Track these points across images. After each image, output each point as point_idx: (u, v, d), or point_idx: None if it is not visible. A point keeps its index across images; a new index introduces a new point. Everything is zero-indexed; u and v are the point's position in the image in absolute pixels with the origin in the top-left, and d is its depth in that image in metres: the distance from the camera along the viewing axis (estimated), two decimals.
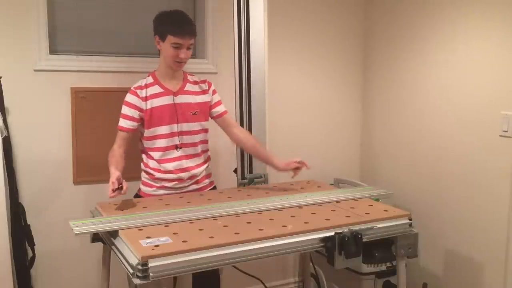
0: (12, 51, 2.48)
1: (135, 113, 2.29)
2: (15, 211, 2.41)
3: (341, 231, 1.86)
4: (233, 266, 2.49)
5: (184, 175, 2.35)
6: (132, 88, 2.32)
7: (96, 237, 2.02)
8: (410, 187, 3.01)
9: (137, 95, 2.29)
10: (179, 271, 1.63)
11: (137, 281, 1.58)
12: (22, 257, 2.44)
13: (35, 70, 2.53)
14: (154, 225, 1.88)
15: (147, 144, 2.35)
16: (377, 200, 2.34)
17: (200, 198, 2.30)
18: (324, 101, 3.29)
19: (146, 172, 2.37)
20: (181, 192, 2.36)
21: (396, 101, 3.12)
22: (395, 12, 3.09)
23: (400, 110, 3.09)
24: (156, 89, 2.32)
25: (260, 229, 1.85)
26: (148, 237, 1.73)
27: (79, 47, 2.70)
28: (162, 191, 2.35)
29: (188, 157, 2.36)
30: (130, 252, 1.68)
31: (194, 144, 2.38)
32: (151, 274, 1.57)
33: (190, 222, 1.93)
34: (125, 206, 2.14)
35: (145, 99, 2.30)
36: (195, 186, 2.41)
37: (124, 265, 1.68)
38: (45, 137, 2.58)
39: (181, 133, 2.34)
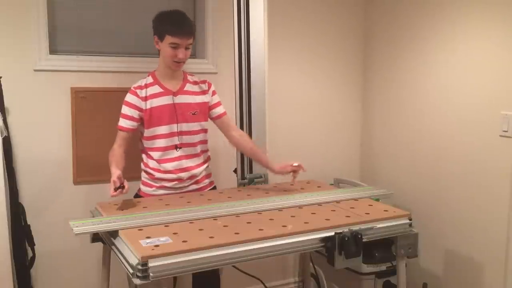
0: (12, 51, 2.48)
1: (135, 113, 2.29)
2: (15, 211, 2.41)
3: (341, 231, 1.86)
4: (233, 266, 2.49)
5: (183, 175, 2.35)
6: (132, 88, 2.32)
7: (96, 237, 2.02)
8: (410, 187, 3.01)
9: (137, 95, 2.29)
10: (179, 271, 1.63)
11: (137, 281, 1.58)
12: (22, 257, 2.44)
13: (35, 70, 2.53)
14: (154, 225, 1.88)
15: (147, 144, 2.35)
16: (377, 200, 2.34)
17: (200, 198, 2.30)
18: (324, 101, 3.29)
19: (146, 172, 2.37)
20: (181, 192, 2.36)
21: (396, 101, 3.12)
22: (395, 12, 3.09)
23: (400, 110, 3.09)
24: (156, 89, 2.32)
25: (260, 229, 1.85)
26: (148, 237, 1.73)
27: (79, 47, 2.70)
28: (161, 191, 2.35)
29: (188, 157, 2.36)
30: (130, 252, 1.68)
31: (193, 144, 2.38)
32: (151, 274, 1.57)
33: (190, 222, 1.93)
34: (125, 206, 2.14)
35: (145, 99, 2.30)
36: (195, 186, 2.41)
37: (124, 265, 1.68)
38: (45, 137, 2.58)
39: (180, 133, 2.34)
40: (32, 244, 2.49)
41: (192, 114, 2.35)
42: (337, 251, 1.84)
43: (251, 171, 2.62)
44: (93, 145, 2.64)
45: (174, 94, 2.33)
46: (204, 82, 2.43)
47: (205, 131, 2.42)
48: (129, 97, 2.30)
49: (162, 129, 2.31)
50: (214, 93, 2.44)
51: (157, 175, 2.33)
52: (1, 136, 2.22)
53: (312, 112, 3.25)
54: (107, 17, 2.77)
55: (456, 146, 2.69)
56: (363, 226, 1.94)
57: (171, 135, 2.32)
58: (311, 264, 2.93)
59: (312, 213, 2.08)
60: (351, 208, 2.15)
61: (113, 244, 1.83)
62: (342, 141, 3.38)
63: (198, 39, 2.96)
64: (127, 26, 2.81)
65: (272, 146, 2.73)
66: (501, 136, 2.43)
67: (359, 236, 1.87)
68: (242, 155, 2.60)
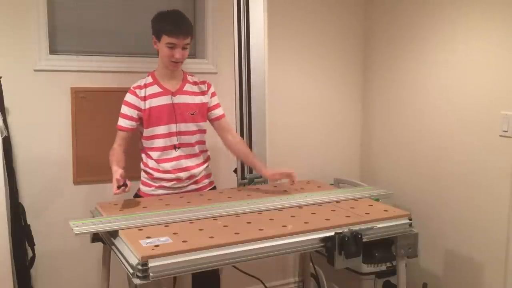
0: (12, 51, 2.48)
1: (134, 113, 2.29)
2: (15, 211, 2.41)
3: (341, 231, 1.86)
4: (233, 266, 2.49)
5: (182, 174, 2.35)
6: (131, 88, 2.32)
7: (96, 237, 2.02)
8: (410, 187, 3.01)
9: (136, 95, 2.30)
10: (179, 271, 1.63)
11: (137, 281, 1.58)
12: (22, 257, 2.44)
13: (35, 70, 2.53)
14: (154, 225, 1.88)
15: (146, 143, 2.35)
16: (377, 200, 2.34)
17: (200, 198, 2.30)
18: (324, 101, 3.29)
19: (145, 171, 2.37)
20: (180, 192, 2.36)
21: (396, 101, 3.12)
22: (395, 12, 3.09)
23: (400, 110, 3.09)
24: (155, 89, 2.32)
25: (260, 229, 1.85)
26: (148, 237, 1.73)
27: (79, 47, 2.70)
28: (160, 191, 2.35)
29: (187, 157, 2.37)
30: (130, 252, 1.68)
31: (191, 144, 2.38)
32: (151, 274, 1.57)
33: (190, 222, 1.93)
34: (125, 206, 2.14)
35: (144, 98, 2.30)
36: (194, 186, 2.41)
37: (124, 265, 1.68)
38: (45, 137, 2.58)
39: (179, 133, 2.34)
40: (32, 244, 2.49)
41: (191, 114, 2.35)
42: (337, 251, 1.84)
43: (251, 171, 2.62)
44: (93, 145, 2.64)
45: (173, 94, 2.33)
46: (203, 82, 2.43)
47: (203, 131, 2.42)
48: (128, 97, 2.31)
49: (161, 129, 2.31)
50: (213, 94, 2.44)
51: (156, 174, 2.33)
52: (1, 136, 2.22)
53: (312, 112, 3.25)
54: (107, 17, 2.77)
55: (456, 146, 2.69)
56: (363, 226, 1.94)
57: (169, 135, 2.32)
58: (311, 264, 2.93)
59: (312, 213, 2.08)
60: (351, 208, 2.15)
61: (113, 244, 1.83)
62: (342, 141, 3.38)
63: (198, 39, 2.96)
64: (127, 26, 2.81)
65: (272, 146, 2.74)
66: (501, 136, 2.43)
67: (359, 236, 1.87)
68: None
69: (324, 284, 3.05)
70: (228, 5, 2.56)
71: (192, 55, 2.96)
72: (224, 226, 1.90)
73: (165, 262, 1.60)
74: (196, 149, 2.40)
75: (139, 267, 1.57)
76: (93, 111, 2.65)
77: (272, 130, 2.79)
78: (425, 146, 2.90)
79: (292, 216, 2.03)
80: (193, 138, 2.38)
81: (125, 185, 2.04)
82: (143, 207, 2.14)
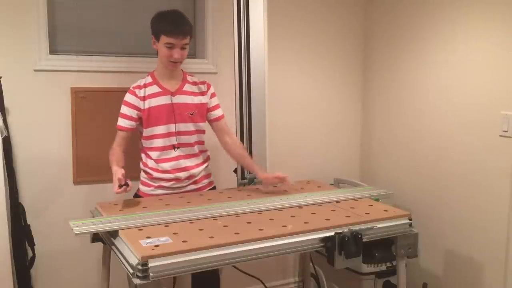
0: (12, 51, 2.48)
1: (133, 113, 2.30)
2: (15, 211, 2.41)
3: (341, 231, 1.86)
4: (233, 266, 2.49)
5: (181, 174, 2.35)
6: (131, 88, 2.33)
7: (96, 237, 2.03)
8: (410, 187, 3.01)
9: (136, 95, 2.30)
10: (179, 271, 1.63)
11: (137, 281, 1.58)
12: (22, 257, 2.44)
13: (35, 70, 2.53)
14: (154, 225, 1.88)
15: (145, 143, 2.35)
16: (377, 200, 2.34)
17: (200, 198, 2.30)
18: (324, 101, 3.29)
19: (145, 171, 2.37)
20: (180, 192, 2.36)
21: (396, 101, 3.12)
22: (395, 12, 3.09)
23: (400, 110, 3.09)
24: (154, 88, 2.32)
25: (260, 229, 1.85)
26: (148, 237, 1.73)
27: (79, 47, 2.70)
28: (160, 191, 2.35)
29: (186, 157, 2.37)
30: (130, 252, 1.68)
31: (191, 144, 2.38)
32: (151, 274, 1.57)
33: (190, 222, 1.93)
34: (125, 206, 2.14)
35: (143, 98, 2.30)
36: (193, 186, 2.41)
37: (124, 265, 1.68)
38: (45, 137, 2.58)
39: (178, 133, 2.34)
40: (32, 244, 2.49)
41: (190, 114, 2.35)
42: (337, 251, 1.84)
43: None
44: (93, 145, 2.64)
45: (172, 94, 2.33)
46: (203, 83, 2.43)
47: (201, 131, 2.42)
48: (128, 97, 2.31)
49: (160, 129, 2.31)
50: (213, 95, 2.44)
51: (155, 174, 2.33)
52: (1, 136, 2.22)
53: (312, 112, 3.25)
54: (107, 17, 2.77)
55: (456, 146, 2.69)
56: (363, 226, 1.94)
57: (168, 135, 2.33)
58: (311, 264, 2.93)
59: (312, 213, 2.08)
60: (351, 208, 2.15)
61: (113, 244, 1.83)
62: (342, 141, 3.38)
63: (198, 39, 2.96)
64: (127, 26, 2.81)
65: (272, 146, 2.73)
66: (501, 136, 2.43)
67: (359, 236, 1.87)
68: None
69: (324, 284, 3.05)
70: (228, 5, 2.56)
71: (192, 55, 2.96)
72: (224, 226, 1.90)
73: (165, 262, 1.60)
74: (196, 149, 2.40)
75: (139, 267, 1.58)
76: (93, 111, 2.65)
77: (272, 130, 2.79)
78: (425, 146, 2.90)
79: (292, 216, 2.03)
80: (192, 138, 2.38)
81: (126, 184, 2.05)
82: (143, 207, 2.14)
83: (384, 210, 2.12)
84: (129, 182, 2.08)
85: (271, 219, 1.99)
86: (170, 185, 2.35)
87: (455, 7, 2.66)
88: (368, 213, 2.08)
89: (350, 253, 1.86)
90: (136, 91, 2.31)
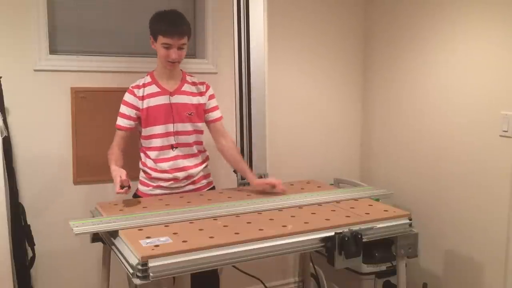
0: (12, 51, 2.48)
1: (132, 112, 2.30)
2: (15, 211, 2.41)
3: (341, 231, 1.86)
4: (233, 266, 2.49)
5: (180, 174, 2.35)
6: (130, 87, 2.33)
7: (96, 237, 2.03)
8: (410, 187, 3.01)
9: (134, 94, 2.31)
10: (179, 271, 1.63)
11: (137, 281, 1.58)
12: (22, 257, 2.44)
13: (35, 70, 2.53)
14: (154, 225, 1.88)
15: (144, 143, 2.36)
16: (377, 200, 2.34)
17: (200, 198, 2.30)
18: (324, 101, 3.29)
19: (144, 171, 2.37)
20: (178, 192, 2.37)
21: (396, 101, 3.12)
22: (395, 12, 3.09)
23: (400, 110, 3.09)
24: (153, 88, 2.33)
25: (260, 229, 1.85)
26: (148, 237, 1.73)
27: (79, 47, 2.70)
28: (158, 191, 2.35)
29: (185, 157, 2.37)
30: (130, 252, 1.68)
31: (189, 144, 2.38)
32: (151, 274, 1.57)
33: (190, 222, 1.93)
34: (125, 206, 2.14)
35: (142, 98, 2.31)
36: (191, 187, 2.41)
37: (124, 265, 1.68)
38: (45, 137, 2.58)
39: (176, 133, 2.34)
40: (32, 244, 2.49)
41: (189, 114, 2.35)
42: (337, 251, 1.84)
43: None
44: (93, 145, 2.64)
45: (171, 94, 2.33)
46: (202, 83, 2.43)
47: (199, 132, 2.42)
48: (126, 96, 2.32)
49: (158, 129, 2.32)
50: (211, 97, 2.44)
51: (154, 174, 2.33)
52: (1, 136, 2.22)
53: (312, 112, 3.25)
54: (107, 17, 2.77)
55: (456, 146, 2.69)
56: (363, 226, 1.94)
57: (167, 134, 2.33)
58: (311, 264, 2.93)
59: (312, 213, 2.08)
60: (351, 208, 2.15)
61: (113, 244, 1.83)
62: (342, 141, 3.38)
63: (198, 39, 2.96)
64: (127, 26, 2.81)
65: (272, 146, 2.73)
66: (501, 136, 2.43)
67: (359, 236, 1.87)
68: (242, 155, 2.60)
69: (324, 284, 3.05)
70: (228, 5, 2.56)
71: (192, 55, 2.96)
72: (224, 226, 1.90)
73: (165, 262, 1.60)
74: (194, 149, 2.40)
75: (139, 267, 1.58)
76: (93, 111, 2.65)
77: (272, 130, 2.79)
78: (425, 146, 2.90)
79: (292, 216, 2.03)
80: (190, 138, 2.38)
81: (128, 186, 2.06)
82: (143, 207, 2.14)
83: (384, 210, 2.13)
84: (130, 184, 2.09)
85: (271, 219, 1.99)
86: (169, 185, 2.35)
87: (455, 7, 2.66)
88: (368, 213, 2.08)
89: (350, 253, 1.86)
90: (135, 90, 2.31)
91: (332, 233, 1.85)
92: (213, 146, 2.53)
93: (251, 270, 2.74)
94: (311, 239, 1.86)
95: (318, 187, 2.56)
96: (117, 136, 2.31)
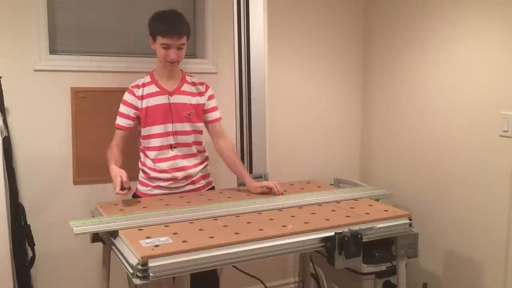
0: (12, 51, 2.47)
1: (131, 112, 2.30)
2: (15, 211, 2.41)
3: (341, 231, 1.86)
4: (233, 266, 2.49)
5: (179, 174, 2.35)
6: (129, 87, 2.34)
7: (96, 237, 2.03)
8: (410, 187, 3.01)
9: (134, 94, 2.31)
10: (179, 271, 1.63)
11: (137, 281, 1.58)
12: (22, 257, 2.44)
13: (35, 70, 2.53)
14: (154, 225, 1.88)
15: (143, 143, 2.36)
16: (377, 200, 2.34)
17: (200, 198, 2.30)
18: (324, 101, 3.29)
19: (143, 171, 2.37)
20: (177, 192, 2.36)
21: (396, 101, 3.12)
22: (395, 12, 3.09)
23: (400, 110, 3.09)
24: (153, 88, 2.33)
25: (260, 229, 1.85)
26: (148, 237, 1.73)
27: (79, 47, 2.70)
28: (157, 191, 2.35)
29: (184, 156, 2.37)
30: (130, 252, 1.68)
31: (188, 144, 2.38)
32: (151, 274, 1.57)
33: (190, 222, 1.93)
34: (125, 206, 2.14)
35: (141, 98, 2.31)
36: (190, 187, 2.41)
37: (124, 265, 1.68)
38: (45, 137, 2.58)
39: (175, 133, 2.34)
40: (32, 244, 2.49)
41: (188, 114, 2.35)
42: (337, 251, 1.84)
43: (251, 171, 2.62)
44: (93, 145, 2.64)
45: (170, 94, 2.34)
46: (202, 84, 2.43)
47: (198, 132, 2.42)
48: (126, 96, 2.32)
49: (157, 129, 2.32)
50: (211, 97, 2.44)
51: (153, 174, 2.33)
52: (1, 136, 2.22)
53: (312, 112, 3.25)
54: (107, 17, 2.77)
55: (456, 146, 2.69)
56: (363, 226, 1.94)
57: (166, 134, 2.33)
58: (311, 264, 2.93)
59: (312, 213, 2.08)
60: (351, 208, 2.15)
61: (113, 244, 1.83)
62: (342, 141, 3.38)
63: (198, 39, 2.96)
64: (127, 26, 2.81)
65: (272, 146, 2.73)
66: (501, 136, 2.43)
67: (359, 236, 1.88)
68: (242, 155, 2.60)
69: (324, 284, 3.05)
70: (228, 5, 2.56)
71: (192, 55, 2.96)
72: (224, 226, 1.90)
73: (165, 262, 1.60)
74: (194, 149, 2.40)
75: (139, 267, 1.58)
76: (93, 111, 2.65)
77: (272, 130, 2.79)
78: (425, 146, 2.90)
79: (292, 216, 2.03)
80: (189, 138, 2.38)
81: (129, 188, 2.06)
82: (143, 207, 2.14)
83: (384, 210, 2.13)
84: (130, 186, 2.09)
85: (271, 219, 1.99)
86: (168, 185, 2.35)
87: (455, 7, 2.66)
88: (368, 213, 2.08)
89: (350, 253, 1.86)
90: (134, 90, 2.32)
91: (332, 233, 1.85)
92: (213, 147, 2.54)
93: (251, 270, 2.74)
94: (311, 239, 1.86)
95: (318, 187, 2.56)
96: (116, 135, 2.31)
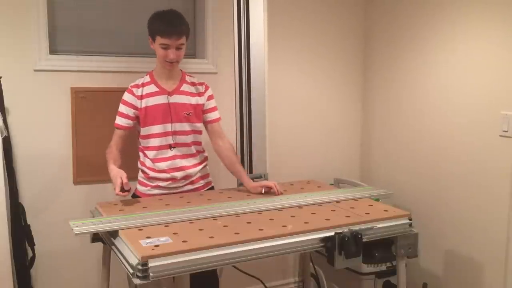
0: (12, 51, 2.47)
1: (130, 111, 2.30)
2: (15, 211, 2.41)
3: (341, 231, 1.86)
4: (233, 266, 2.49)
5: (178, 174, 2.35)
6: (129, 87, 2.34)
7: (96, 237, 2.03)
8: (410, 187, 3.01)
9: (133, 94, 2.31)
10: (179, 271, 1.63)
11: (137, 281, 1.58)
12: (22, 257, 2.44)
13: (35, 70, 2.53)
14: (154, 225, 1.88)
15: (143, 142, 2.36)
16: (377, 200, 2.34)
17: (200, 198, 2.30)
18: (324, 101, 3.29)
19: (143, 171, 2.38)
20: (177, 192, 2.36)
21: (396, 101, 3.12)
22: (395, 12, 3.09)
23: (400, 110, 3.09)
24: (152, 88, 2.33)
25: (260, 229, 1.85)
26: (148, 237, 1.73)
27: (79, 47, 2.70)
28: (156, 191, 2.35)
29: (183, 156, 2.37)
30: (130, 252, 1.68)
31: (187, 144, 2.38)
32: (151, 274, 1.57)
33: (190, 222, 1.93)
34: (125, 206, 2.14)
35: (141, 97, 2.31)
36: (190, 187, 2.41)
37: (124, 265, 1.68)
38: (45, 137, 2.58)
39: (174, 133, 2.34)
40: (32, 244, 2.49)
41: (187, 114, 2.35)
42: (337, 251, 1.84)
43: (251, 171, 2.62)
44: (93, 145, 2.64)
45: (169, 93, 2.34)
46: (202, 84, 2.43)
47: (198, 132, 2.42)
48: (125, 96, 2.32)
49: (157, 128, 2.32)
50: (210, 97, 2.44)
51: (152, 174, 2.33)
52: (1, 136, 2.22)
53: (312, 112, 3.25)
54: (107, 17, 2.77)
55: (456, 146, 2.69)
56: (363, 226, 1.94)
57: (165, 134, 2.33)
58: (311, 264, 2.93)
59: (312, 213, 2.08)
60: (351, 208, 2.15)
61: (113, 244, 1.83)
62: (342, 141, 3.38)
63: (198, 39, 2.96)
64: (127, 26, 2.81)
65: (272, 146, 2.73)
66: (501, 136, 2.43)
67: (359, 236, 1.88)
68: (242, 155, 2.60)
69: (324, 284, 3.05)
70: (228, 5, 2.56)
71: (192, 55, 2.96)
72: (224, 226, 1.90)
73: (165, 262, 1.60)
74: (193, 149, 2.40)
75: (139, 267, 1.58)
76: (93, 111, 2.65)
77: (272, 130, 2.79)
78: (425, 146, 2.90)
79: (292, 216, 2.03)
80: (188, 138, 2.38)
81: (129, 190, 2.06)
82: (143, 207, 2.14)
83: (384, 210, 2.13)
84: (130, 187, 2.09)
85: (271, 219, 1.99)
86: (167, 185, 2.35)
87: (455, 7, 2.66)
88: (368, 213, 2.08)
89: (350, 253, 1.86)
90: (134, 90, 2.32)
91: (332, 233, 1.85)
92: (212, 147, 2.54)
93: (251, 270, 2.74)
94: (311, 239, 1.86)
95: (318, 187, 2.56)
96: (115, 135, 2.31)
